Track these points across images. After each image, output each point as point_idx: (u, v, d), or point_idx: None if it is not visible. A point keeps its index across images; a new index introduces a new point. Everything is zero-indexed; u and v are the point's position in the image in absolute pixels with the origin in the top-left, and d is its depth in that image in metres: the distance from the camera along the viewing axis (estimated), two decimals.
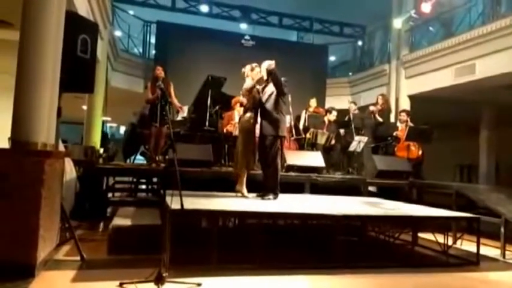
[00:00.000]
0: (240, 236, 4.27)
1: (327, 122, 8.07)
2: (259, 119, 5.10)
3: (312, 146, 7.71)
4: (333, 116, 8.14)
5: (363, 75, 12.69)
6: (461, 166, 11.70)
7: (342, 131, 8.17)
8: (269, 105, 4.97)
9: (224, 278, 3.41)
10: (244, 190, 5.07)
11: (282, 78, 5.00)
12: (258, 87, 5.11)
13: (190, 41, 11.19)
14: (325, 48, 13.30)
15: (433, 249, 4.91)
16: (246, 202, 4.61)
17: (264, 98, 5.03)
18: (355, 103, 8.88)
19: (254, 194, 5.09)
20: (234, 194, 5.09)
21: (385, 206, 5.29)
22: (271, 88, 5.01)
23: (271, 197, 4.92)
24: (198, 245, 3.88)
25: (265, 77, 5.01)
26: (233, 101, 7.14)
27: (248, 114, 5.09)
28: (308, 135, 7.83)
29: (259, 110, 5.07)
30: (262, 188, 5.10)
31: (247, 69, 5.15)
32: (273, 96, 4.98)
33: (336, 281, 3.61)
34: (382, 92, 10.05)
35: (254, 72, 5.09)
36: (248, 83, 5.10)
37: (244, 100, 5.40)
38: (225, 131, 7.14)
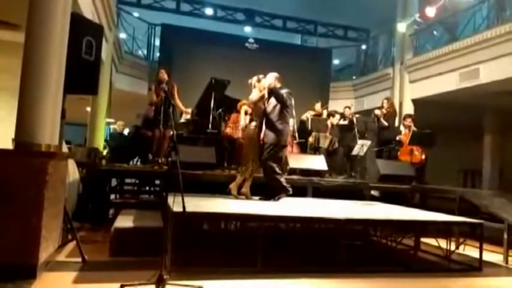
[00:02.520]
0: (242, 239, 4.26)
1: (329, 125, 8.07)
2: (263, 127, 5.28)
3: (315, 149, 7.70)
4: (335, 120, 8.15)
5: (367, 79, 12.68)
6: (464, 171, 11.64)
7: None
8: (273, 116, 5.16)
9: (226, 280, 3.41)
10: (249, 193, 5.21)
11: (285, 91, 5.16)
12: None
13: (195, 44, 11.22)
14: (329, 52, 13.31)
15: (435, 254, 4.89)
16: (249, 205, 4.60)
17: (268, 109, 5.22)
18: (349, 107, 8.89)
19: (257, 197, 5.17)
20: (239, 197, 5.13)
21: (388, 210, 5.28)
22: (275, 100, 5.19)
23: (282, 195, 5.11)
24: (200, 247, 3.90)
25: (266, 95, 5.20)
26: (239, 104, 7.17)
27: (253, 123, 5.32)
28: (310, 139, 7.83)
29: (263, 119, 5.26)
30: (264, 191, 5.22)
31: (254, 80, 5.29)
32: (277, 108, 5.15)
33: (337, 285, 3.60)
34: (386, 96, 10.02)
35: (261, 84, 5.23)
36: (254, 95, 5.27)
37: (249, 109, 5.51)
38: (226, 132, 7.12)
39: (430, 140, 7.39)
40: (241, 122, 6.90)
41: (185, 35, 11.62)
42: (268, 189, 5.20)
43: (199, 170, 5.75)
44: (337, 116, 8.25)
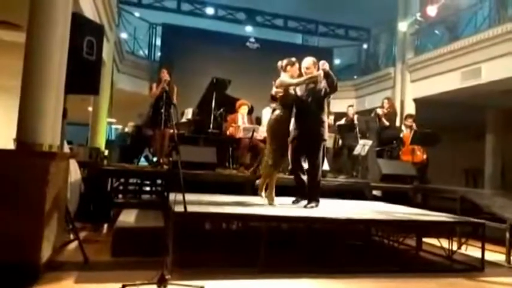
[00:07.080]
0: (243, 239, 4.26)
1: None
2: (293, 120, 4.75)
3: None
4: (330, 120, 8.12)
5: (368, 78, 12.66)
6: (466, 170, 11.62)
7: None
8: (315, 104, 4.68)
9: (227, 280, 3.41)
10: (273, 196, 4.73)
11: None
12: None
13: (196, 44, 11.22)
14: (330, 51, 13.27)
15: (437, 254, 4.88)
16: (250, 205, 4.59)
17: (309, 97, 4.70)
18: (352, 106, 8.86)
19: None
20: (239, 196, 5.08)
21: (390, 210, 5.27)
22: (318, 86, 4.71)
23: (313, 204, 4.67)
24: (201, 247, 3.89)
25: (321, 78, 4.65)
26: (237, 103, 7.13)
27: (276, 113, 4.70)
28: None
29: (297, 110, 4.71)
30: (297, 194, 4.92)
31: (284, 62, 4.77)
32: (320, 95, 4.68)
33: (339, 285, 3.60)
34: (387, 95, 10.02)
35: (294, 68, 4.73)
36: (289, 79, 4.67)
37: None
38: (228, 133, 7.08)
39: (434, 140, 7.37)
40: (240, 121, 6.86)
41: (186, 35, 11.62)
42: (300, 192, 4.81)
43: (201, 170, 5.74)
44: (331, 116, 8.22)
